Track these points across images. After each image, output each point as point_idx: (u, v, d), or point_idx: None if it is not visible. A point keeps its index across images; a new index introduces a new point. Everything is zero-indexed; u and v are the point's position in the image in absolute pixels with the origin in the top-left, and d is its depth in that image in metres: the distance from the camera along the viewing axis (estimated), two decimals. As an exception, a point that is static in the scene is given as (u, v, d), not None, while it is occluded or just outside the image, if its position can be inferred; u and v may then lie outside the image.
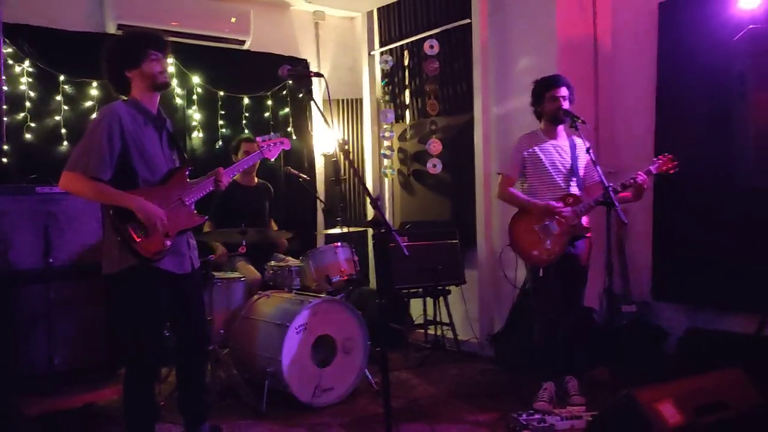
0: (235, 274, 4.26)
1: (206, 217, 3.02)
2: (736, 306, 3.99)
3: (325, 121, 2.48)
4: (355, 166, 6.08)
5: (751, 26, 3.28)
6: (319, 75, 2.59)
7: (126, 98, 2.86)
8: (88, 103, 4.80)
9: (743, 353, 3.68)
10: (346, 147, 2.57)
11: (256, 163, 4.67)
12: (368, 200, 5.85)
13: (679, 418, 2.52)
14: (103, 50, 2.86)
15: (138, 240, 2.70)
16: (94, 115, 4.76)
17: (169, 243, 2.78)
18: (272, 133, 3.13)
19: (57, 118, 4.68)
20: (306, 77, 2.57)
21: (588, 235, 3.70)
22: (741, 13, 3.79)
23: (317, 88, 5.95)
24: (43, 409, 3.44)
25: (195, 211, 2.97)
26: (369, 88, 6.01)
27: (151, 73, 2.81)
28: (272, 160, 3.32)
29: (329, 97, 2.56)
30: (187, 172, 2.95)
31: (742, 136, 3.35)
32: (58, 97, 4.69)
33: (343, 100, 6.12)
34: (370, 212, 6.01)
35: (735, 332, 3.93)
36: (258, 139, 3.32)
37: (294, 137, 5.75)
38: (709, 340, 3.97)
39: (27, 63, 4.55)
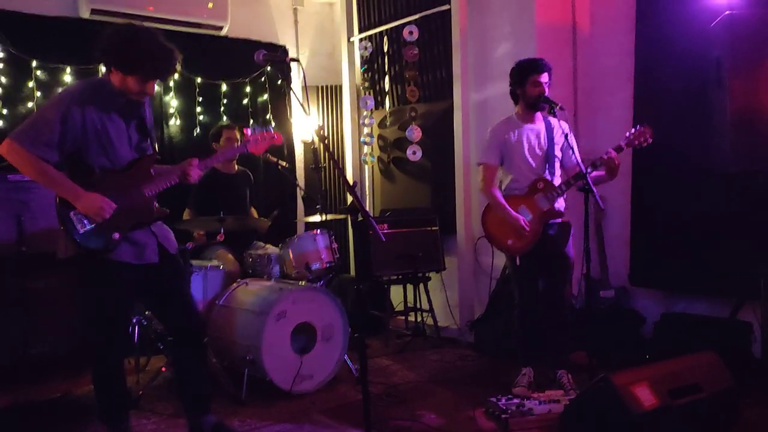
0: (214, 262, 4.22)
1: (167, 210, 2.86)
2: (710, 291, 4.05)
3: (303, 107, 2.45)
4: (333, 153, 6.06)
5: (728, 12, 3.29)
6: (294, 60, 2.56)
7: (100, 78, 2.75)
8: (62, 89, 4.69)
9: (717, 337, 3.75)
10: (323, 134, 2.51)
11: (236, 135, 4.62)
12: (357, 189, 5.86)
13: (654, 400, 2.56)
14: (112, 35, 2.63)
15: (81, 231, 2.58)
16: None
17: (117, 236, 2.65)
18: (262, 127, 2.93)
19: (30, 104, 4.59)
20: (282, 62, 2.52)
21: (562, 219, 3.69)
22: (717, 0, 3.81)
23: (296, 74, 5.90)
24: (19, 398, 3.40)
25: (156, 204, 2.82)
26: (348, 74, 5.96)
27: (129, 88, 2.65)
28: (258, 155, 3.13)
29: (305, 83, 2.52)
30: (152, 163, 2.82)
31: (719, 122, 3.38)
32: (31, 83, 4.59)
33: (322, 87, 6.08)
34: (350, 199, 5.99)
35: (709, 316, 3.98)
36: (246, 131, 3.11)
37: (273, 124, 5.70)
38: (684, 324, 4.02)
39: (-2, 48, 4.46)
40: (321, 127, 2.62)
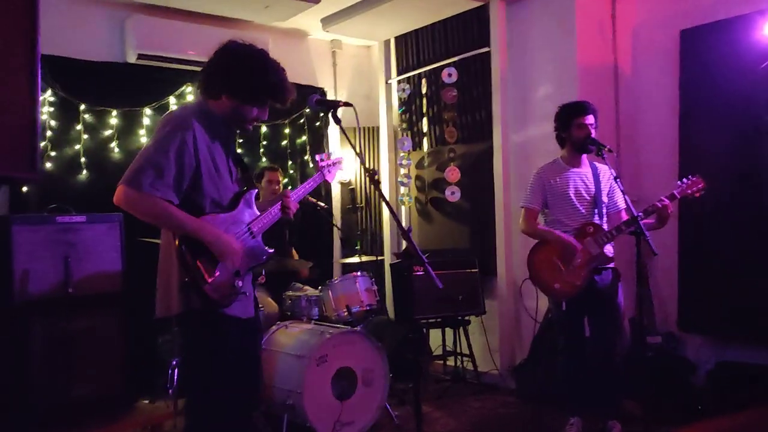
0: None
1: (272, 250, 2.58)
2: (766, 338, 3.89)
3: (354, 149, 2.43)
4: (372, 194, 6.07)
5: (779, 54, 3.24)
6: (348, 104, 2.54)
7: (199, 104, 2.42)
8: (108, 132, 4.80)
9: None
10: (376, 177, 2.46)
11: (278, 178, 4.66)
12: (394, 230, 5.83)
13: (720, 458, 2.43)
14: (224, 58, 2.36)
15: (209, 280, 2.24)
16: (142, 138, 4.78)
17: (240, 284, 2.35)
18: (327, 152, 2.70)
19: (77, 147, 4.68)
20: (335, 107, 2.50)
21: (612, 265, 3.62)
22: (766, 41, 3.75)
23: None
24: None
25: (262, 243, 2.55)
26: (386, 116, 5.99)
27: (243, 115, 2.39)
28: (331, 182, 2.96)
29: (358, 124, 2.50)
30: (254, 197, 2.54)
31: (773, 164, 3.29)
32: (78, 126, 4.69)
33: (359, 128, 6.11)
34: (387, 241, 5.96)
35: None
36: (317, 157, 2.93)
37: (311, 165, 5.74)
38: (740, 373, 3.86)
39: (48, 92, 4.57)
40: (374, 170, 2.59)
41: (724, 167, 4.03)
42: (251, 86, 2.35)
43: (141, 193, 2.17)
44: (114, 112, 4.82)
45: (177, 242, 2.24)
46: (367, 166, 5.99)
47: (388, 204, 2.28)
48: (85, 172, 4.69)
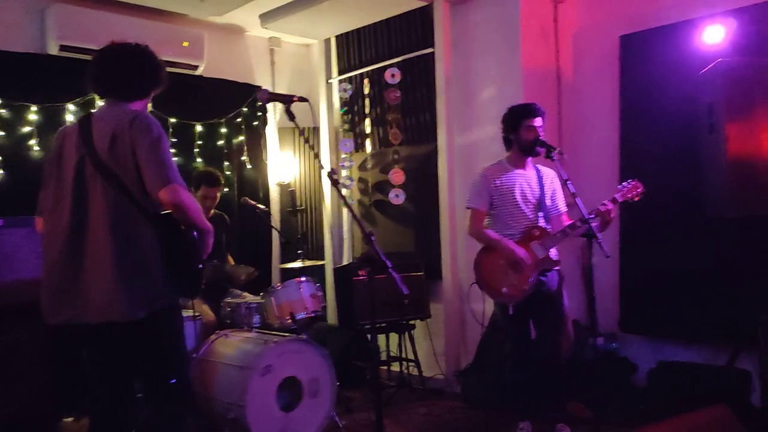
0: (189, 313, 3.95)
1: None
2: (706, 338, 3.98)
3: (312, 150, 2.31)
4: (311, 196, 5.91)
5: (720, 59, 3.31)
6: (303, 99, 2.40)
7: (127, 108, 2.52)
8: (26, 129, 4.43)
9: (714, 386, 3.67)
10: (335, 176, 2.36)
11: (216, 195, 4.43)
12: (336, 233, 5.69)
13: (677, 459, 2.43)
14: (138, 60, 2.55)
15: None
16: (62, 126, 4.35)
17: None
18: None
19: (-9, 144, 4.30)
20: (289, 102, 2.36)
21: (557, 267, 3.60)
22: (705, 47, 3.85)
23: (272, 115, 5.75)
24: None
25: None
26: (327, 116, 5.83)
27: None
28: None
29: (314, 122, 2.38)
30: None
31: (714, 167, 3.36)
32: (-7, 122, 4.32)
33: (299, 129, 5.93)
34: (328, 245, 5.81)
35: (706, 364, 3.91)
36: None
37: (249, 166, 5.52)
38: (679, 372, 3.94)
39: (-42, 84, 4.18)
40: (334, 170, 2.47)
41: (664, 170, 4.11)
42: (162, 71, 2.58)
43: (188, 189, 2.33)
44: (33, 108, 4.45)
45: (195, 234, 2.41)
46: (304, 167, 5.86)
47: (349, 208, 2.16)
48: (1, 172, 4.30)
